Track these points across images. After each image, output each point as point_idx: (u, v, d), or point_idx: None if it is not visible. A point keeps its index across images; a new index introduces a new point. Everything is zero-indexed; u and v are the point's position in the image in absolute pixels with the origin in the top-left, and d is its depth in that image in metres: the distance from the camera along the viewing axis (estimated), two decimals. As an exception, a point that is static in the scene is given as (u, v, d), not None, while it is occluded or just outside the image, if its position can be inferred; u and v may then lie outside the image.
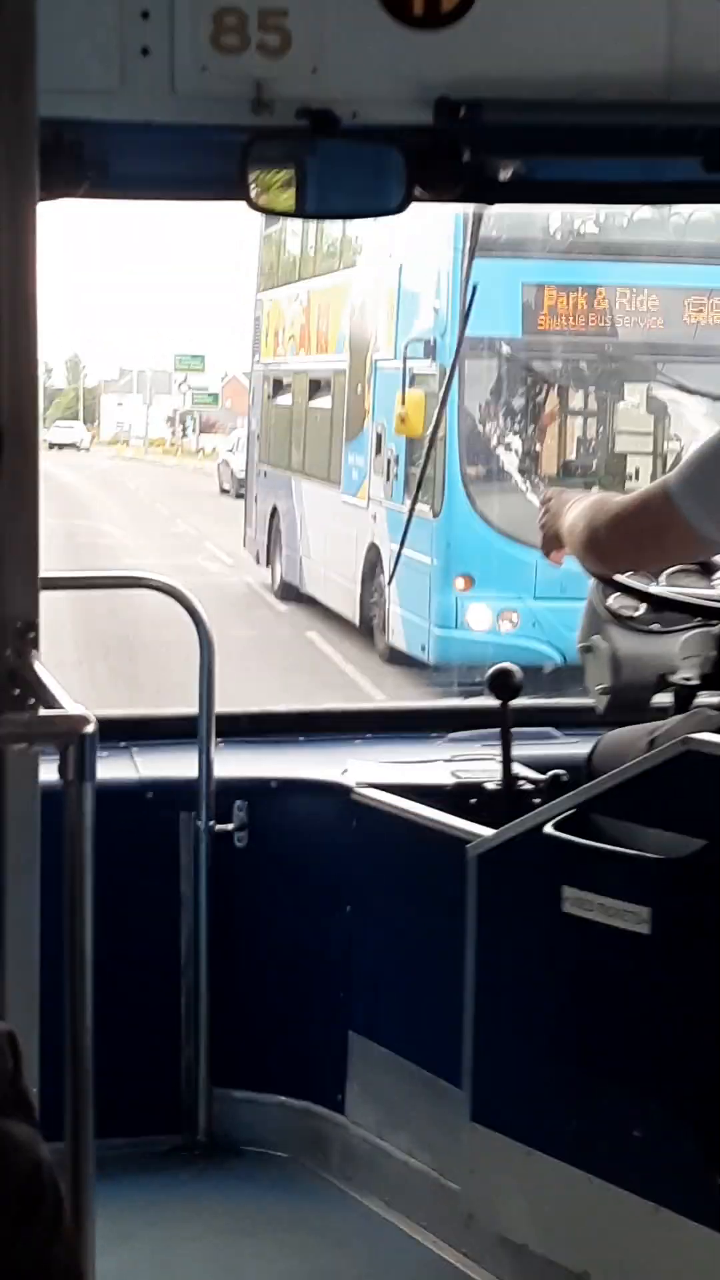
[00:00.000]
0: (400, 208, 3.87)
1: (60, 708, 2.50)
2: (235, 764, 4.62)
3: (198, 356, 75.03)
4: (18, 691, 2.81)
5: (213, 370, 77.77)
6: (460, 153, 3.76)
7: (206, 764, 4.46)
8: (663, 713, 3.92)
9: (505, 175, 4.03)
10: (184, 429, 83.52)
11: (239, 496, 39.49)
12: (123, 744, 4.76)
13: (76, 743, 2.37)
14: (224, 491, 43.31)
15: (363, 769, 4.50)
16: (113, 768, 4.60)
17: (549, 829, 3.47)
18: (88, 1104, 2.49)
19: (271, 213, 3.88)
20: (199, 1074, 4.54)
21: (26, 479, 2.87)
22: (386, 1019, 4.29)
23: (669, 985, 3.28)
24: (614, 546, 3.46)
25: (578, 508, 3.56)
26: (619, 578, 4.13)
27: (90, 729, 2.37)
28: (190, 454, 70.39)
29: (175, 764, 4.57)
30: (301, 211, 3.87)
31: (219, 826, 4.49)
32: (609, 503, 3.50)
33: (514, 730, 4.33)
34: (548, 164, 4.07)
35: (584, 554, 3.53)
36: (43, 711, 2.54)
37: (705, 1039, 3.23)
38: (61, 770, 2.39)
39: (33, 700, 2.68)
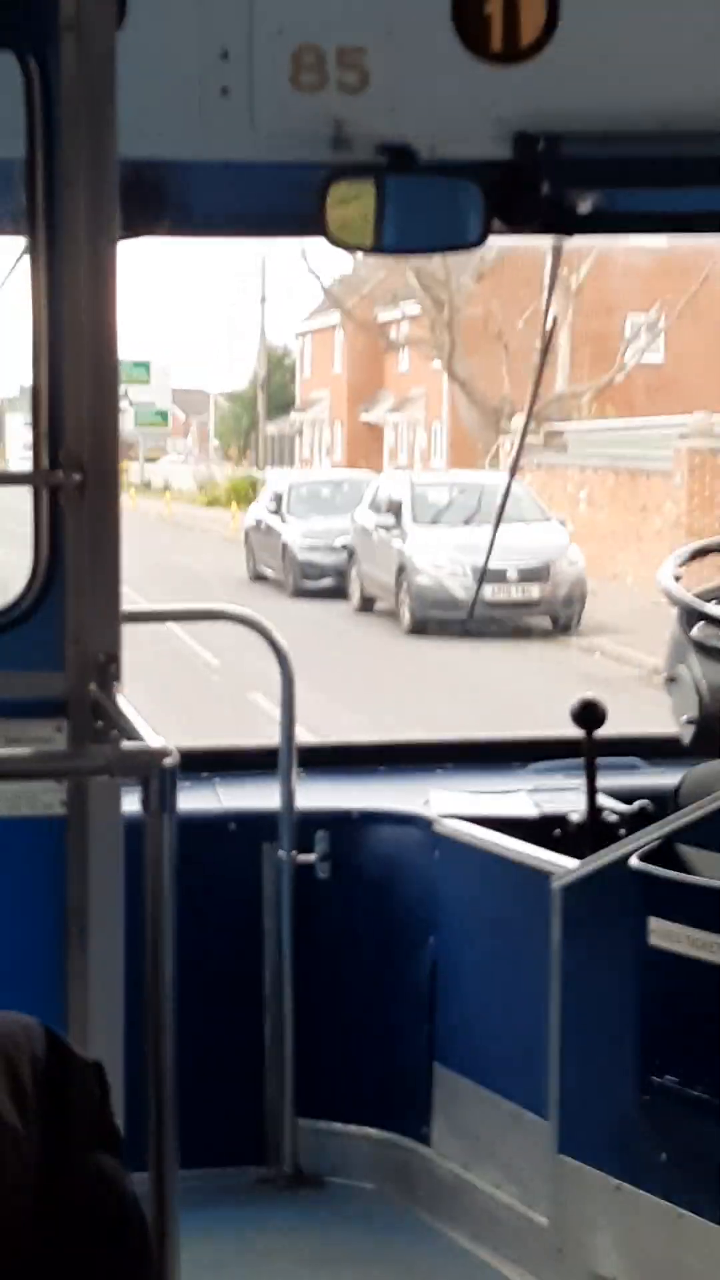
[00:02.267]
0: (479, 241, 3.89)
1: (141, 740, 2.52)
2: (317, 795, 4.63)
3: (141, 364, 59.16)
4: (100, 723, 2.83)
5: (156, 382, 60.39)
6: (539, 185, 3.77)
7: (288, 795, 4.47)
8: None
9: (584, 207, 4.04)
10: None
11: (306, 594, 23.23)
12: (205, 775, 4.78)
13: (158, 775, 2.38)
14: (260, 579, 26.02)
15: (445, 800, 4.49)
16: (196, 799, 4.62)
17: (634, 861, 3.45)
18: (172, 1135, 2.49)
19: (352, 248, 3.91)
20: (284, 1105, 4.54)
21: (108, 516, 2.90)
22: (472, 1050, 4.27)
23: None
24: None
25: None
26: (703, 606, 4.12)
27: (171, 761, 2.39)
28: (143, 490, 54.70)
29: (258, 795, 4.59)
30: (380, 247, 3.89)
31: (301, 857, 4.49)
32: None
33: (598, 761, 4.32)
34: (627, 195, 4.07)
35: None
36: (124, 744, 2.56)
37: None
38: (144, 802, 2.41)
39: (115, 732, 2.70)
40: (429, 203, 3.86)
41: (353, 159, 3.70)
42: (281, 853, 4.49)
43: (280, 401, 62.72)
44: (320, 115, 3.66)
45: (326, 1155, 4.59)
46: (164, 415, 61.79)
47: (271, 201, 4.04)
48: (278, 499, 26.94)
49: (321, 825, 4.52)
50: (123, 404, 60.24)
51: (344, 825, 4.55)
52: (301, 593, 23.94)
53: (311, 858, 4.51)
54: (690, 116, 3.71)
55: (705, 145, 3.76)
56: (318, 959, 4.53)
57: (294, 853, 4.49)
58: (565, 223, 4.06)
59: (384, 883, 4.50)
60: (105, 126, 2.84)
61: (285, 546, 25.03)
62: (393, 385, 52.25)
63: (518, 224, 3.89)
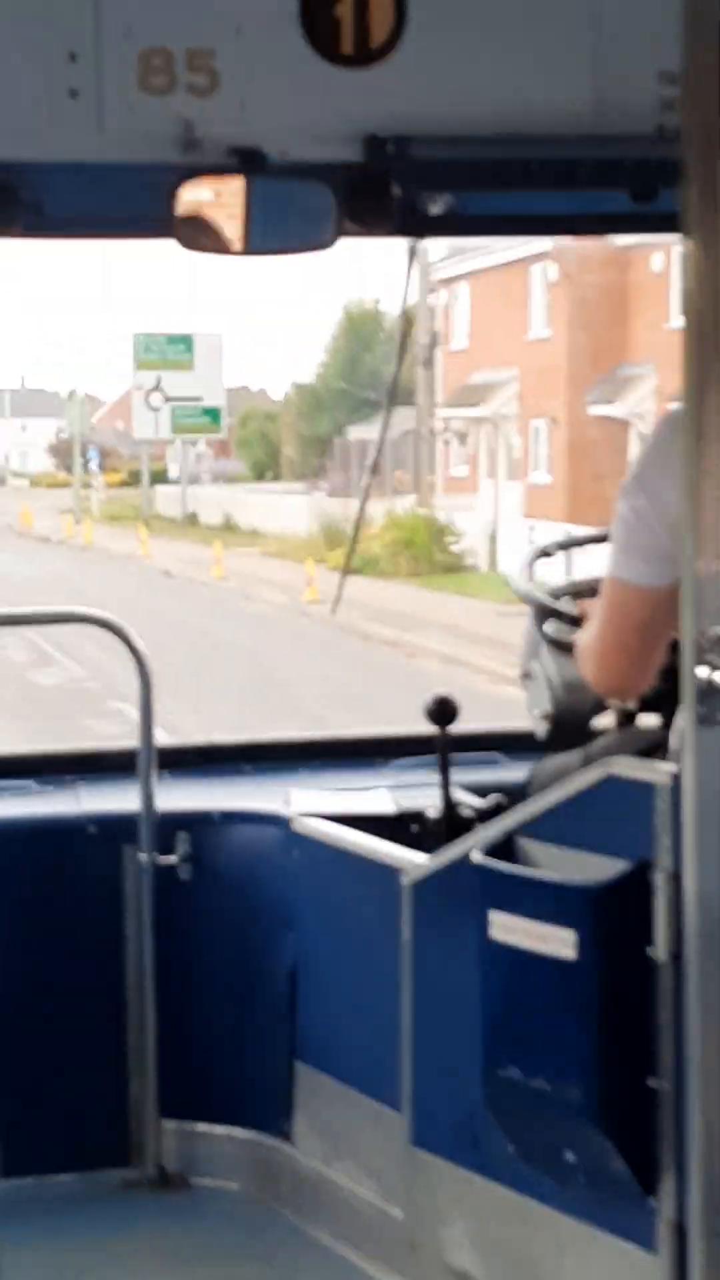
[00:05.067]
0: (331, 243, 3.91)
1: None
2: (180, 796, 4.64)
3: (179, 339, 41.03)
4: None
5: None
6: (390, 188, 3.80)
7: (148, 796, 4.48)
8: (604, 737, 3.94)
9: (436, 209, 4.08)
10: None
11: None
12: (68, 779, 4.78)
13: None
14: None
15: (306, 799, 4.52)
16: (57, 802, 4.63)
17: (476, 855, 3.48)
18: None
19: (203, 250, 3.91)
20: (147, 1107, 4.55)
21: None
22: (331, 1047, 4.30)
23: (595, 1009, 3.29)
24: (611, 665, 3.50)
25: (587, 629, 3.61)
26: (549, 601, 4.17)
27: None
28: (190, 528, 37.68)
29: (120, 798, 4.59)
30: (232, 249, 3.90)
31: (162, 860, 4.50)
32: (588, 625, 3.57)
33: (460, 756, 4.35)
34: (478, 197, 4.12)
35: (596, 684, 3.58)
36: None
37: (632, 1062, 3.24)
38: None
39: None
40: (280, 205, 3.88)
41: (202, 161, 3.72)
42: (142, 855, 4.50)
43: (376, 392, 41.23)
44: (169, 117, 3.67)
45: (191, 1156, 4.60)
46: (215, 415, 41.84)
47: (124, 203, 4.05)
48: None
49: (182, 826, 4.54)
50: (154, 399, 39.20)
51: (205, 826, 4.57)
52: None
53: (172, 859, 4.52)
54: (538, 120, 3.76)
55: (553, 148, 3.80)
56: (180, 960, 4.54)
57: (155, 854, 4.50)
58: (417, 225, 4.11)
59: (245, 883, 4.51)
60: None
61: None
62: (650, 354, 30.36)
63: (370, 226, 3.91)
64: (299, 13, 3.68)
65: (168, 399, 40.15)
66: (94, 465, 49.78)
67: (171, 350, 40.71)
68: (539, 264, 33.41)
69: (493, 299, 36.89)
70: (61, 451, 58.19)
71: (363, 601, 23.95)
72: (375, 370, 41.69)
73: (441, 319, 39.93)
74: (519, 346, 34.99)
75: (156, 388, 40.74)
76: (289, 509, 37.22)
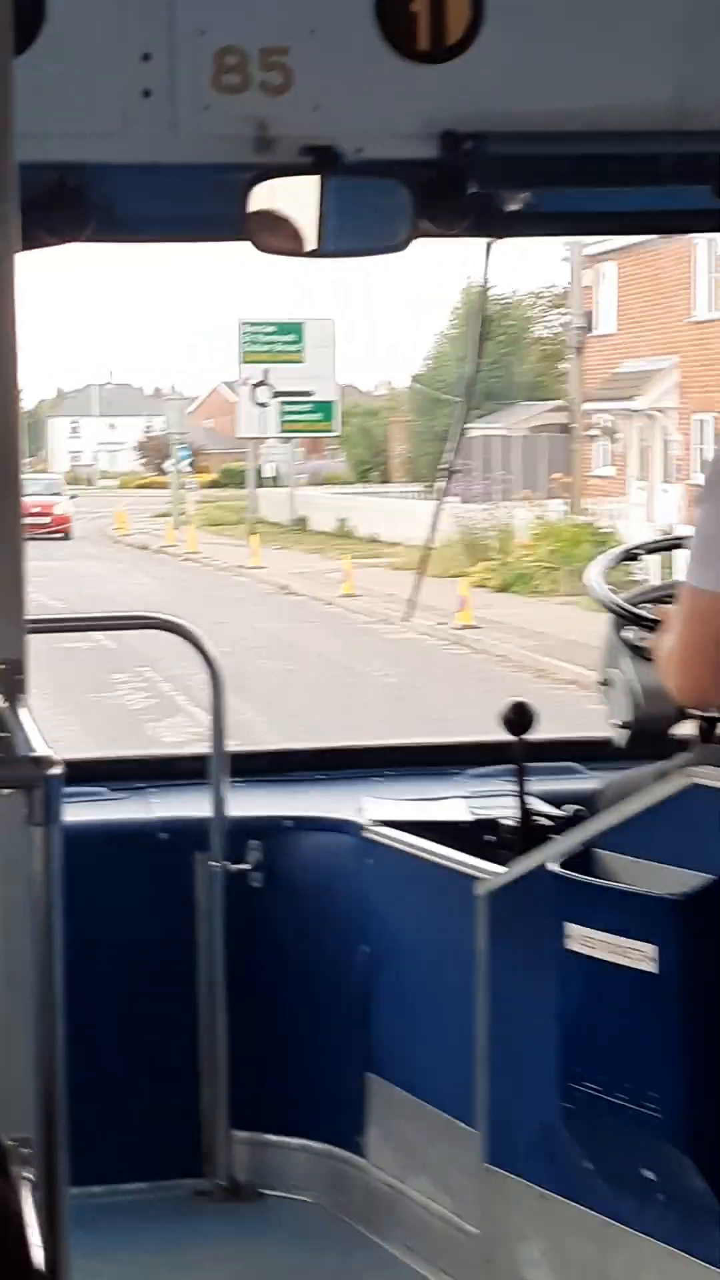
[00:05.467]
0: (406, 243, 3.86)
1: (33, 751, 2.47)
2: (252, 803, 4.60)
3: (290, 327, 37.18)
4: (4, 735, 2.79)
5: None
6: (466, 186, 3.75)
7: (219, 803, 4.44)
8: (683, 745, 3.87)
9: (513, 207, 4.02)
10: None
11: None
12: (139, 785, 4.75)
13: (42, 786, 2.34)
14: None
15: (379, 807, 4.46)
16: (129, 808, 4.60)
17: (552, 866, 3.42)
18: (61, 1153, 2.45)
19: (277, 252, 3.87)
20: (219, 1117, 4.51)
21: (10, 520, 2.86)
22: (404, 1060, 4.24)
23: (677, 1023, 3.22)
24: (694, 673, 3.44)
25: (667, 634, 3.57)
26: (634, 609, 4.10)
27: (56, 771, 2.34)
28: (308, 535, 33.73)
29: (192, 804, 4.55)
30: (306, 250, 3.85)
31: (234, 866, 4.46)
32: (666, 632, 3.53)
33: (537, 765, 4.28)
34: (556, 195, 4.05)
35: (679, 693, 3.53)
36: (7, 754, 2.52)
37: (713, 1077, 3.17)
38: (28, 815, 2.36)
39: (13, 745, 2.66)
40: (355, 205, 3.83)
41: (276, 160, 3.68)
42: (213, 862, 4.46)
43: (492, 386, 37.50)
44: (243, 117, 3.63)
45: (263, 1167, 4.55)
46: (328, 411, 37.96)
47: (197, 205, 4.02)
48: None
49: (254, 833, 4.49)
50: (260, 393, 35.65)
51: (277, 833, 4.52)
52: None
53: (244, 866, 4.48)
54: (617, 116, 3.69)
55: (632, 145, 3.74)
56: (252, 968, 4.49)
57: (226, 861, 4.46)
58: (494, 224, 4.05)
59: (317, 891, 4.46)
60: (3, 136, 2.80)
61: None
62: None
63: (446, 225, 3.86)
64: (374, 9, 3.62)
65: (275, 394, 36.65)
66: (185, 465, 46.70)
67: (280, 340, 37.15)
68: (705, 237, 28.31)
69: (645, 278, 33.03)
70: (150, 450, 55.83)
71: (527, 628, 21.07)
72: (499, 359, 37.37)
73: (594, 300, 36.25)
74: (679, 330, 31.01)
75: (263, 381, 37.29)
76: (413, 514, 32.29)
